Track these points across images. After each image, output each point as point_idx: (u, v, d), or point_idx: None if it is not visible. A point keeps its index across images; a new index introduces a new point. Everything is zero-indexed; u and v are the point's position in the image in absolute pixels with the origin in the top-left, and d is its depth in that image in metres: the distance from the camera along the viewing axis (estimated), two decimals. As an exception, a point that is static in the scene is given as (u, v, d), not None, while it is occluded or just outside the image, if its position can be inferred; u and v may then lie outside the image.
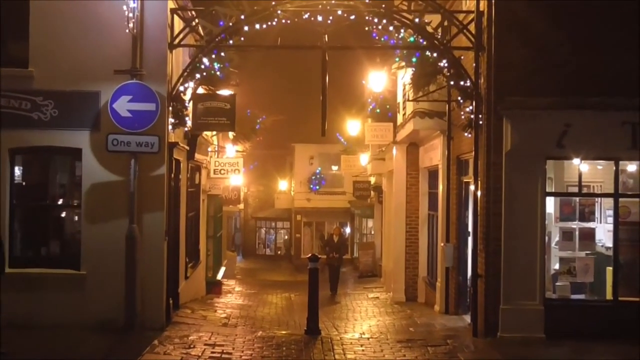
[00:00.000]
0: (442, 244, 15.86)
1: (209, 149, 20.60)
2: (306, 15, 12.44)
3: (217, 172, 21.45)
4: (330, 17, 12.47)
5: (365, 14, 12.47)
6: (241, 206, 36.49)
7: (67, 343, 10.63)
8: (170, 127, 12.56)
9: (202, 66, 12.98)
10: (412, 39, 13.05)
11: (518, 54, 11.73)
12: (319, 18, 12.47)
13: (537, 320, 11.55)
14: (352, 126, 28.20)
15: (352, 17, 12.49)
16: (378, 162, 25.26)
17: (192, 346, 11.05)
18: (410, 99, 16.60)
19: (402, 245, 19.90)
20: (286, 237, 52.62)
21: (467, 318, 13.77)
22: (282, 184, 50.06)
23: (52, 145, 12.15)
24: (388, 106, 21.74)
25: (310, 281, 12.95)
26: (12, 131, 11.90)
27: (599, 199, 12.77)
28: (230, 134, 24.28)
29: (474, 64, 12.41)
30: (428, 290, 18.57)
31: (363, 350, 11.40)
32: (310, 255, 13.46)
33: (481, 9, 12.27)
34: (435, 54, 12.90)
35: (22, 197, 12.30)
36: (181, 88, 12.76)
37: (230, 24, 12.47)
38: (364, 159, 29.59)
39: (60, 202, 12.87)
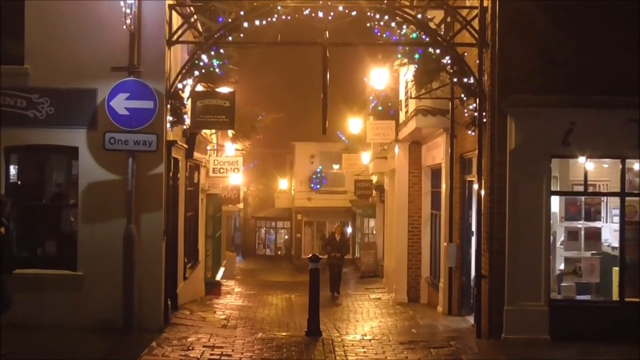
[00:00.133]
0: (445, 244, 15.85)
1: (208, 148, 20.60)
2: (307, 11, 12.41)
3: (216, 171, 21.45)
4: (331, 13, 12.44)
5: (367, 9, 12.45)
6: (241, 206, 36.47)
7: (64, 344, 10.63)
8: (168, 125, 12.55)
9: (201, 63, 12.96)
10: (414, 35, 13.03)
11: (522, 50, 11.71)
12: (320, 14, 12.45)
13: (542, 322, 11.54)
14: (354, 124, 28.17)
15: (354, 13, 12.46)
16: (380, 160, 25.26)
17: (190, 348, 11.04)
18: (413, 96, 16.57)
19: (404, 245, 19.89)
20: (286, 237, 52.62)
21: (471, 319, 13.77)
22: (283, 183, 50.07)
23: (48, 143, 12.14)
24: (390, 104, 21.75)
25: (311, 282, 12.94)
26: (8, 129, 11.88)
27: (605, 198, 12.74)
28: (230, 132, 24.28)
29: (478, 61, 12.40)
30: (431, 291, 18.56)
31: (365, 352, 11.38)
32: (311, 255, 13.44)
33: (485, 4, 12.25)
34: (438, 51, 12.88)
35: (18, 197, 12.25)
36: (179, 85, 12.74)
37: (230, 20, 12.45)
38: (365, 157, 29.58)
39: (56, 201, 12.85)
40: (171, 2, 12.71)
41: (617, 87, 11.42)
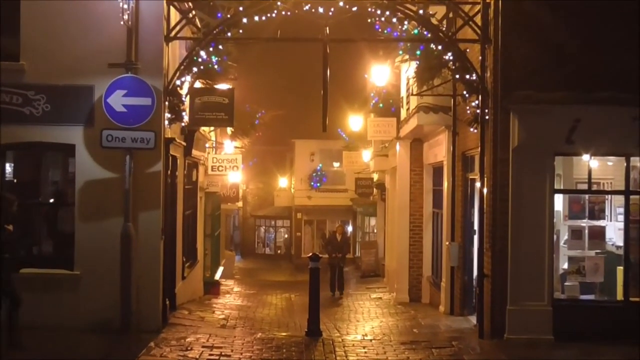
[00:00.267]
0: (447, 243, 15.85)
1: (207, 145, 20.60)
2: (307, 7, 12.40)
3: (215, 169, 21.43)
4: (332, 9, 12.42)
5: (368, 5, 12.43)
6: (240, 204, 36.42)
7: (61, 344, 10.60)
8: (166, 122, 12.54)
9: (200, 59, 12.95)
10: (416, 31, 13.03)
11: (526, 46, 11.69)
12: (320, 10, 12.43)
13: (545, 322, 11.53)
14: (355, 121, 28.17)
15: (354, 8, 12.44)
16: (381, 158, 25.25)
17: (189, 348, 11.03)
18: (414, 93, 16.57)
19: (405, 244, 19.89)
20: (286, 235, 52.61)
21: (473, 319, 13.77)
22: (282, 181, 50.05)
23: (45, 141, 12.12)
24: (391, 101, 21.76)
25: (311, 281, 12.93)
26: (3, 127, 11.84)
27: (609, 196, 12.75)
28: (229, 130, 24.24)
29: (480, 57, 12.38)
30: (432, 290, 18.55)
31: (365, 352, 11.38)
32: (311, 254, 13.43)
33: (487, 0, 12.23)
34: (440, 47, 12.87)
35: (13, 195, 12.25)
36: (178, 82, 12.73)
37: (229, 15, 12.44)
38: (366, 155, 29.58)
39: (52, 200, 12.86)
40: (169, -2, 12.70)
41: (621, 84, 11.39)
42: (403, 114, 20.29)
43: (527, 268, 11.57)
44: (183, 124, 14.23)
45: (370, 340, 12.72)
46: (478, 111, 12.51)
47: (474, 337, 12.33)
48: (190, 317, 14.35)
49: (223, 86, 15.39)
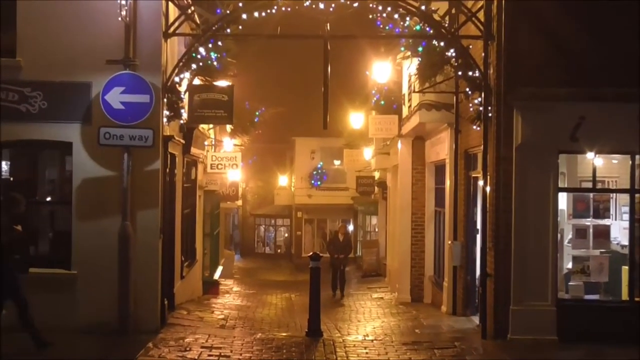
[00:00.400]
0: (450, 242, 15.84)
1: (206, 143, 20.58)
2: (307, 3, 12.38)
3: (214, 167, 21.43)
4: (333, 5, 12.41)
5: (369, 1, 12.42)
6: (239, 202, 36.39)
7: (58, 345, 10.57)
8: (165, 119, 12.53)
9: (199, 56, 12.94)
10: (418, 27, 13.00)
11: (529, 43, 11.68)
12: (321, 5, 12.42)
13: (549, 322, 11.52)
14: (356, 119, 28.15)
15: (355, 4, 12.42)
16: (382, 156, 25.24)
17: (188, 349, 11.02)
18: (416, 90, 16.57)
19: (407, 243, 19.88)
20: (286, 234, 52.64)
21: (476, 319, 13.76)
22: (282, 180, 50.06)
23: (41, 138, 12.11)
24: (393, 98, 21.73)
25: (312, 281, 12.92)
26: (-1, 124, 11.87)
27: (614, 194, 12.75)
28: (228, 127, 24.24)
29: (483, 54, 12.37)
30: (435, 290, 18.55)
31: (367, 352, 11.37)
32: (311, 253, 13.41)
33: (491, -5, 12.22)
34: (442, 43, 12.85)
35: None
36: (176, 79, 12.72)
37: (228, 11, 12.42)
38: (367, 153, 29.58)
39: (49, 198, 12.85)
40: (168, -7, 12.69)
41: (627, 81, 11.38)
42: (405, 111, 20.28)
43: (530, 267, 11.56)
44: (182, 122, 14.22)
45: (372, 340, 12.72)
46: (481, 108, 12.50)
47: (477, 338, 12.32)
48: (189, 317, 14.35)
49: (222, 83, 15.35)
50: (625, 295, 11.98)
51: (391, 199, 24.64)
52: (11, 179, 12.60)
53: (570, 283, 12.26)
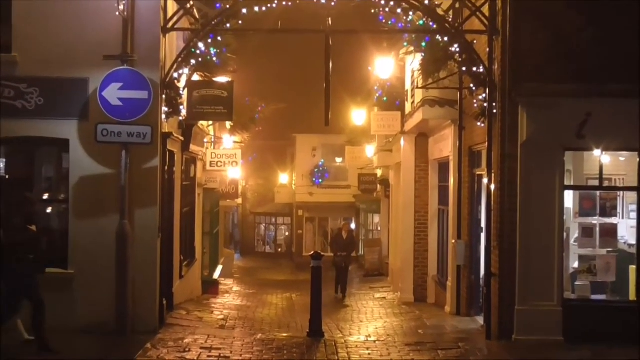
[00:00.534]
0: (454, 241, 15.83)
1: (205, 140, 20.58)
2: (308, -3, 12.39)
3: (213, 165, 21.41)
4: (334, -1, 12.40)
5: (372, -5, 12.41)
6: (239, 201, 36.39)
7: (56, 347, 10.58)
8: (163, 116, 12.52)
9: (198, 51, 12.93)
10: (421, 22, 12.99)
11: (535, 38, 11.65)
12: (322, 0, 12.40)
13: (555, 323, 11.51)
14: (358, 115, 28.13)
15: (357, -2, 12.43)
16: (385, 153, 25.22)
17: (187, 350, 11.02)
18: (420, 86, 16.54)
19: (410, 242, 19.88)
20: (287, 233, 52.60)
21: (480, 320, 13.75)
22: (283, 177, 50.01)
23: (38, 135, 12.10)
24: (396, 94, 21.73)
25: (313, 280, 12.92)
26: (-5, 121, 11.86)
27: (621, 192, 12.71)
28: (228, 124, 24.24)
29: (488, 49, 12.34)
30: (438, 290, 18.55)
31: (369, 353, 11.38)
32: (313, 252, 13.41)
33: (496, -10, 12.20)
34: (446, 38, 12.83)
35: (6, 191, 12.24)
36: (175, 75, 12.71)
37: (227, 6, 12.41)
38: (370, 150, 29.56)
39: (46, 196, 12.83)
40: (166, -13, 12.67)
41: (635, 76, 11.34)
42: (408, 107, 20.26)
43: (536, 267, 11.54)
44: (181, 118, 14.22)
45: (374, 341, 12.71)
46: (485, 105, 12.48)
47: (481, 339, 12.32)
48: (188, 318, 14.35)
49: (222, 79, 15.36)
50: (632, 296, 11.95)
51: (394, 197, 24.62)
52: (7, 176, 12.59)
53: (576, 283, 12.24)
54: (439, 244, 19.09)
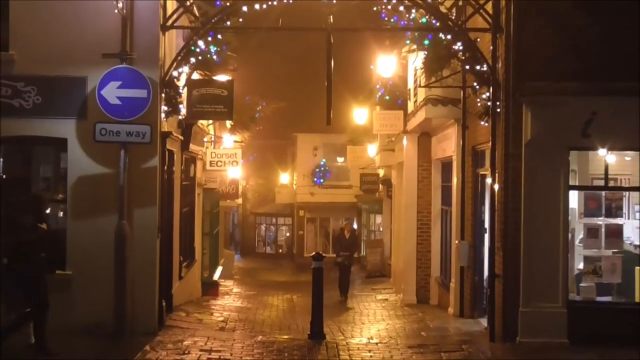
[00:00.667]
0: (457, 242, 15.82)
1: (205, 139, 20.58)
2: (310, -6, 12.39)
3: (213, 164, 21.40)
4: (336, -4, 12.40)
5: (374, -8, 12.41)
6: (239, 201, 36.40)
7: (54, 347, 10.59)
8: (162, 115, 12.52)
9: (197, 49, 12.93)
10: (424, 19, 12.99)
11: (539, 36, 11.64)
12: (324, -3, 12.41)
13: (560, 324, 11.50)
14: (359, 114, 28.13)
15: (360, -4, 12.43)
16: (387, 153, 25.22)
17: (186, 352, 11.03)
18: (422, 85, 16.53)
19: (413, 243, 19.88)
20: (288, 234, 52.60)
21: (484, 322, 13.74)
22: (284, 177, 50.00)
23: (35, 135, 12.10)
24: (398, 93, 21.73)
25: (314, 282, 12.91)
26: (-8, 120, 11.85)
27: (627, 193, 12.70)
28: (228, 123, 24.23)
29: (491, 47, 12.33)
30: (441, 291, 18.54)
31: (371, 356, 11.38)
32: (314, 253, 13.40)
33: (499, -13, 12.20)
34: (449, 36, 12.84)
35: (2, 191, 12.24)
36: (175, 73, 12.71)
37: (228, 3, 12.40)
38: (371, 149, 29.54)
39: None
40: (166, -15, 12.67)
41: (641, 75, 11.34)
42: (410, 106, 20.26)
43: (540, 268, 11.53)
44: (180, 117, 14.21)
45: (376, 343, 12.70)
46: (489, 103, 12.48)
47: (485, 341, 12.30)
48: (187, 319, 14.35)
49: (222, 77, 15.36)
50: (638, 297, 11.95)
51: (396, 197, 24.63)
52: (4, 176, 12.59)
53: (581, 284, 12.23)
54: (441, 244, 19.08)
